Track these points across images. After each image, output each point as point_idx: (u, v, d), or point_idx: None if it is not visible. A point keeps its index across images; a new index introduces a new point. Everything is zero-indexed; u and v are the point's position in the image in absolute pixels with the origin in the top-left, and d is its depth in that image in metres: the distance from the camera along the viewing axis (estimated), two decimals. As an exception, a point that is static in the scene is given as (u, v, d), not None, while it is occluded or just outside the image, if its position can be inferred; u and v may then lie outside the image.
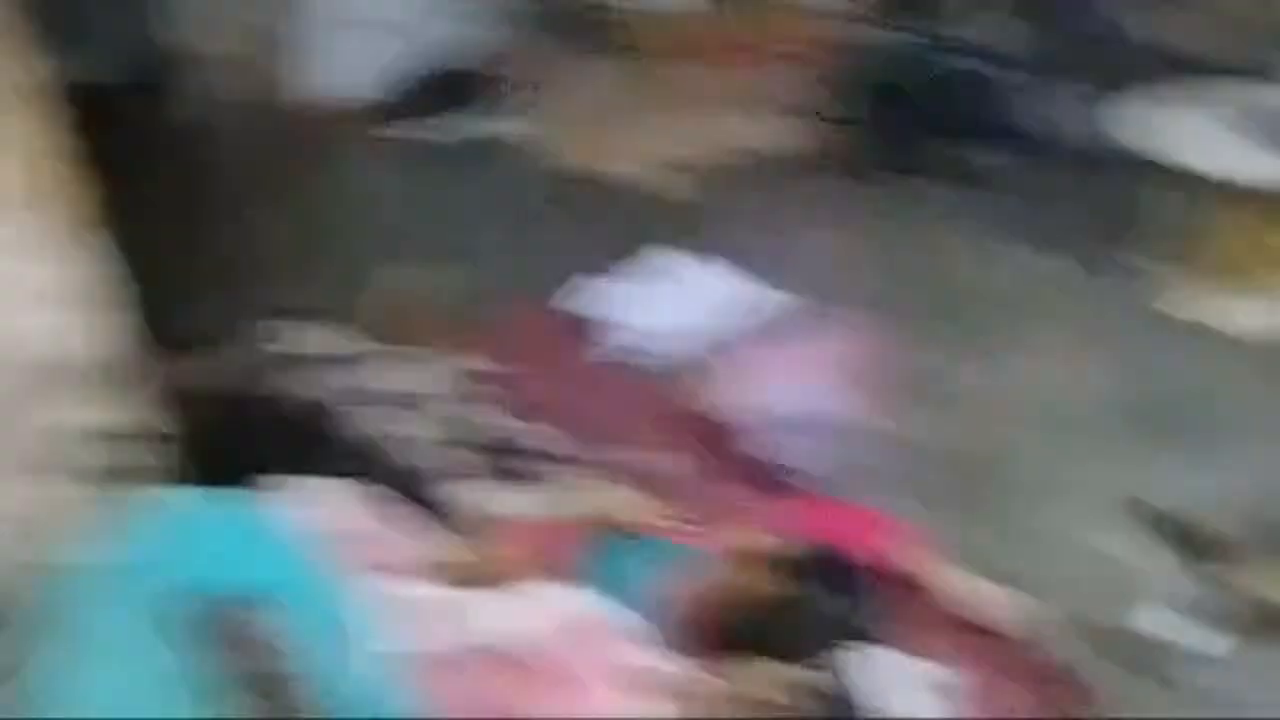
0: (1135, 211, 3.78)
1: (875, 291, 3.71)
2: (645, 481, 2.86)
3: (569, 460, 2.81)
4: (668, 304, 3.59)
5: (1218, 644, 2.55)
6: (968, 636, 2.55)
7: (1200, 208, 3.65)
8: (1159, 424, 3.22)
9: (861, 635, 2.28)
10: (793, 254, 3.86)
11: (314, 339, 3.06)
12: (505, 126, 4.44)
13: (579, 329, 3.48)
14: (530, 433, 2.88)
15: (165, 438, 2.20)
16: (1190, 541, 2.78)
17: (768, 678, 2.06)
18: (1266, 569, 2.62)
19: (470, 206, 4.06)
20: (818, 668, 2.16)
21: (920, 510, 2.91)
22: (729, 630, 2.25)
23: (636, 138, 4.32)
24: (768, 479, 2.97)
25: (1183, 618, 2.60)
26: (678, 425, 3.13)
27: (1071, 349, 3.53)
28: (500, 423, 2.88)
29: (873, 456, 3.12)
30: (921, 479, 3.04)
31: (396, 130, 4.40)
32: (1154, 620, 2.59)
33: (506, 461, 2.75)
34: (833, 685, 2.13)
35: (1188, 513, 2.86)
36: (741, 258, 3.78)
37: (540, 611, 2.07)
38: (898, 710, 2.17)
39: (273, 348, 3.01)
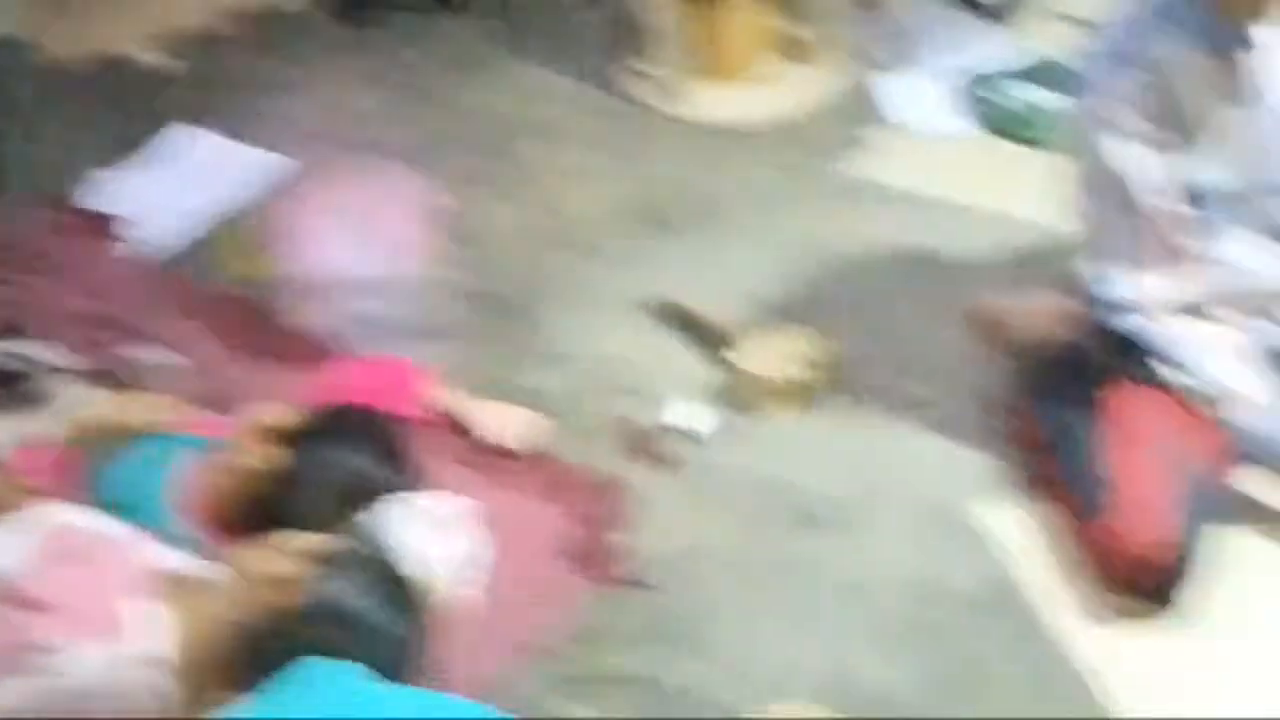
0: (634, 19, 3.85)
1: (392, 137, 3.69)
2: (159, 376, 2.80)
3: (73, 371, 2.71)
4: (176, 185, 3.47)
5: (729, 424, 2.72)
6: (498, 464, 2.63)
7: (694, 7, 3.75)
8: (675, 224, 3.34)
9: (389, 487, 2.30)
10: (303, 112, 3.79)
11: None
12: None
13: (80, 226, 3.32)
14: (25, 348, 2.75)
15: None
16: (704, 332, 2.92)
17: (284, 552, 2.05)
18: (764, 348, 2.78)
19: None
20: (341, 530, 2.17)
21: (453, 350, 2.96)
22: (246, 514, 2.23)
23: (121, 14, 4.10)
24: (295, 349, 2.94)
25: (699, 406, 2.74)
26: (197, 310, 3.05)
27: (592, 164, 3.61)
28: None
29: (409, 305, 3.14)
30: (457, 318, 3.08)
31: None
32: (675, 413, 2.72)
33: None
34: (357, 544, 2.14)
35: (701, 305, 3.01)
36: (247, 123, 3.69)
37: (30, 537, 1.99)
38: (430, 552, 2.21)
39: None
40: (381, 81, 3.89)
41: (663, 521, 2.52)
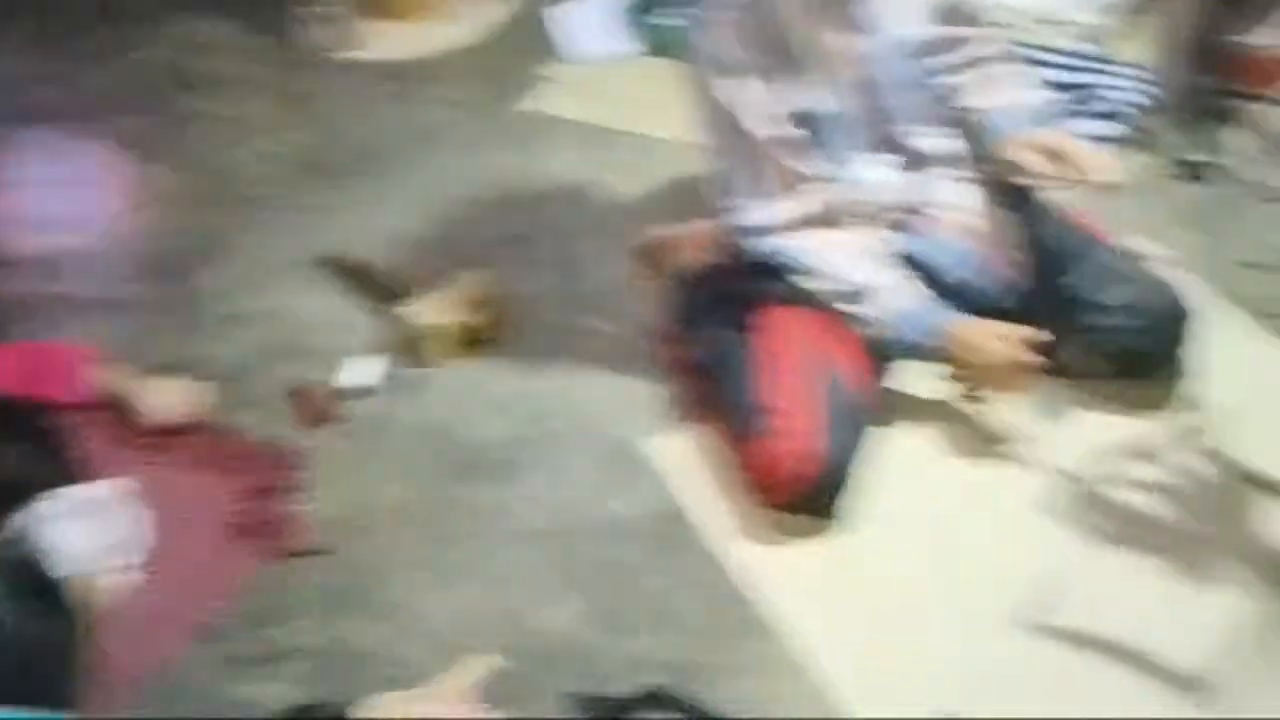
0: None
1: (46, 100, 3.50)
2: None
3: None
4: None
5: (403, 378, 2.68)
6: (163, 443, 2.54)
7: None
8: (348, 173, 3.27)
9: (37, 480, 2.19)
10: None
11: None
12: None
13: None
14: None
15: None
16: (377, 284, 2.86)
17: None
18: (437, 296, 2.74)
19: None
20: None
21: (120, 324, 2.83)
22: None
23: None
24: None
25: (373, 362, 2.69)
26: None
27: (262, 115, 3.50)
28: None
29: (70, 281, 2.99)
30: (123, 291, 2.95)
31: None
32: (349, 371, 2.67)
33: None
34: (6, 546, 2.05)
35: (374, 256, 2.95)
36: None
37: None
38: (84, 545, 2.12)
39: None
40: (34, 41, 3.69)
41: (337, 484, 2.46)
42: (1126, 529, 2.29)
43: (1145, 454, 2.42)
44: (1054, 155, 2.29)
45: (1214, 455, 2.41)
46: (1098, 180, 2.27)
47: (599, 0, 3.70)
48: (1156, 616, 2.15)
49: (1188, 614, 2.15)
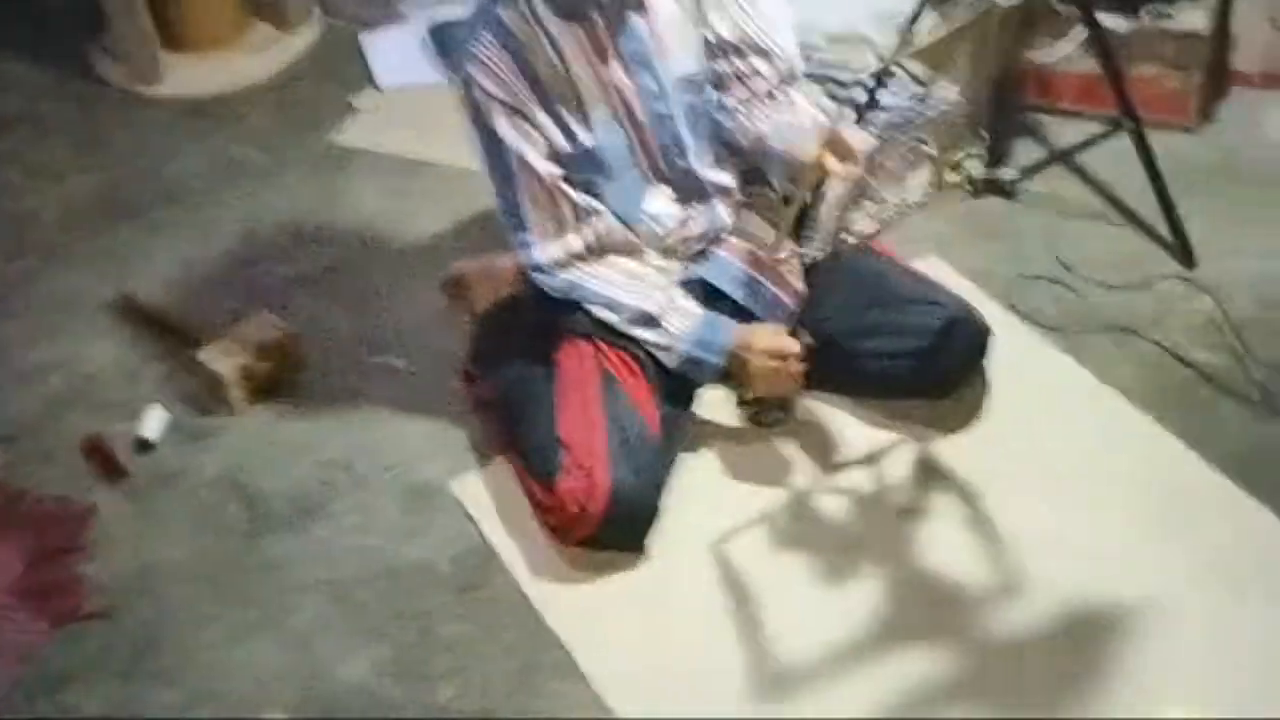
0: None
1: None
2: None
3: None
4: None
5: (195, 428, 2.61)
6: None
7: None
8: (146, 215, 3.17)
9: None
10: None
11: None
12: None
13: None
14: None
15: None
16: (170, 330, 2.78)
17: None
18: (232, 340, 2.66)
19: None
20: None
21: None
22: None
23: None
24: None
25: (163, 412, 2.62)
26: None
27: (56, 158, 3.39)
28: None
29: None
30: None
31: None
32: (139, 423, 2.58)
33: None
34: None
35: (168, 301, 2.87)
36: None
37: None
38: None
39: None
40: None
41: (127, 541, 2.38)
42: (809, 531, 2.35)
43: (859, 461, 2.46)
44: (842, 150, 2.26)
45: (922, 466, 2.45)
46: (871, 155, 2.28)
47: (409, 28, 3.65)
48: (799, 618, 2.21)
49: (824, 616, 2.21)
